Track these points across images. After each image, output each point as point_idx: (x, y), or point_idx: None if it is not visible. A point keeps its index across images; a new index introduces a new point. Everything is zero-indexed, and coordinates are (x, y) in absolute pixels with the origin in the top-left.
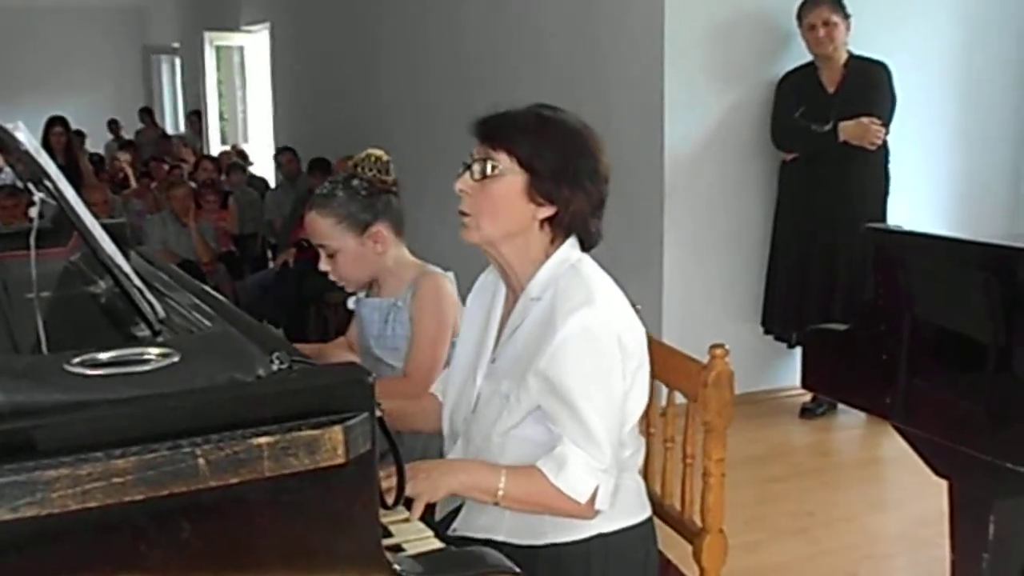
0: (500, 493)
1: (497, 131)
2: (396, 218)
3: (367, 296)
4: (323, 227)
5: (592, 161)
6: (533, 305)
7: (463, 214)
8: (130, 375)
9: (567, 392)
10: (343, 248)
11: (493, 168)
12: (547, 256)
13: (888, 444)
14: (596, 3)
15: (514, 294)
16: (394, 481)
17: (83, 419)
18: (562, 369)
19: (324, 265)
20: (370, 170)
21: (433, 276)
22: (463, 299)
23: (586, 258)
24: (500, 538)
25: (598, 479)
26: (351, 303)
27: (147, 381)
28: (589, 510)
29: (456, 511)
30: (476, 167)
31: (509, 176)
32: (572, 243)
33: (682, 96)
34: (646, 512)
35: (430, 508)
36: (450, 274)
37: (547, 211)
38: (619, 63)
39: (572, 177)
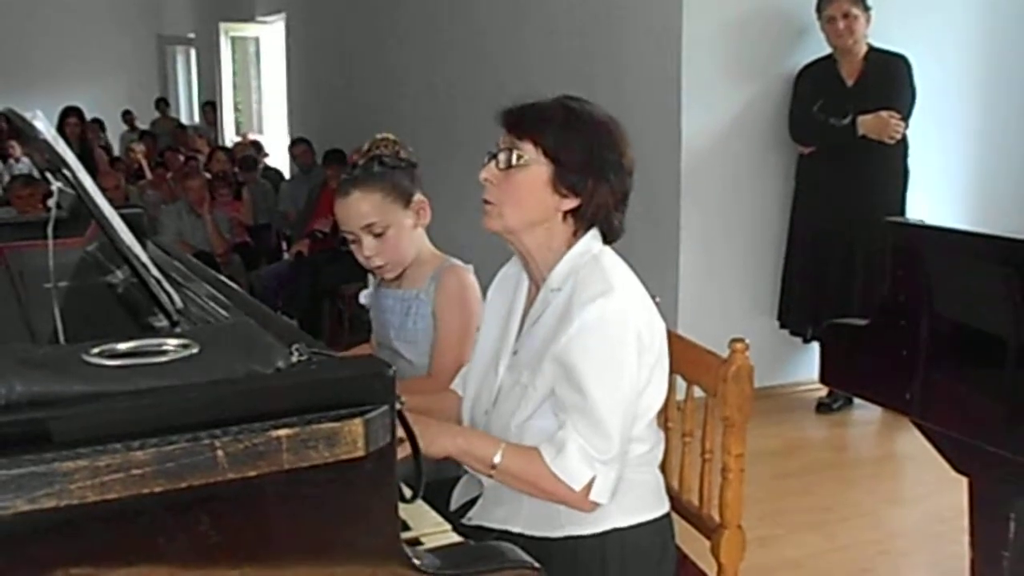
0: (495, 465)
1: (523, 121)
2: (424, 192)
3: (381, 286)
4: (370, 205)
5: (617, 154)
6: (553, 296)
7: (486, 203)
8: (149, 366)
9: (580, 379)
10: (393, 223)
11: (519, 158)
12: (568, 247)
13: (904, 439)
14: None
15: (536, 286)
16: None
17: (102, 410)
18: (577, 356)
19: (368, 251)
20: (389, 149)
21: (456, 269)
22: (484, 292)
23: (607, 250)
24: (517, 529)
25: (595, 469)
26: (363, 298)
27: (166, 372)
28: (584, 500)
29: (472, 501)
30: (502, 156)
31: (534, 166)
32: (594, 235)
33: (699, 90)
34: (664, 507)
35: (446, 497)
36: (470, 267)
37: (571, 203)
38: (636, 57)
39: (597, 170)
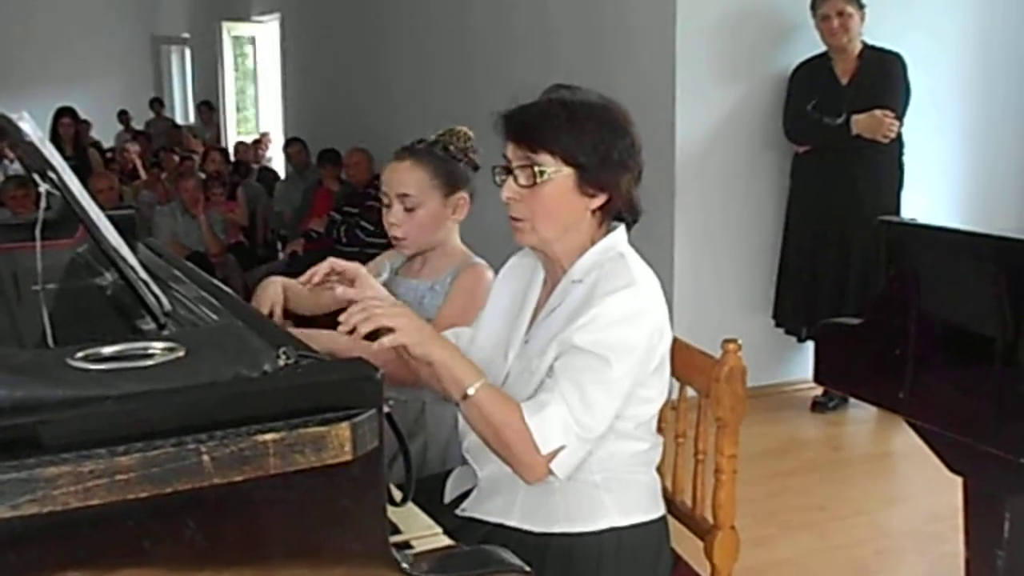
0: (470, 392)
1: (531, 132)
2: (473, 194)
3: (396, 274)
4: (416, 178)
5: (627, 137)
6: (574, 287)
7: (515, 219)
8: (134, 370)
9: (587, 358)
10: (428, 204)
11: (540, 172)
12: (594, 241)
13: (900, 439)
14: None
15: (553, 279)
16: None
17: (86, 415)
18: (588, 338)
19: (394, 218)
20: (460, 143)
21: (477, 268)
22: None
23: (632, 251)
24: (512, 523)
25: (568, 441)
26: (384, 275)
27: (151, 376)
28: (542, 465)
29: (466, 493)
30: (521, 174)
31: (557, 177)
32: (621, 231)
33: (693, 88)
34: (660, 510)
35: (439, 490)
36: (491, 270)
37: (599, 199)
38: (630, 55)
39: (615, 161)
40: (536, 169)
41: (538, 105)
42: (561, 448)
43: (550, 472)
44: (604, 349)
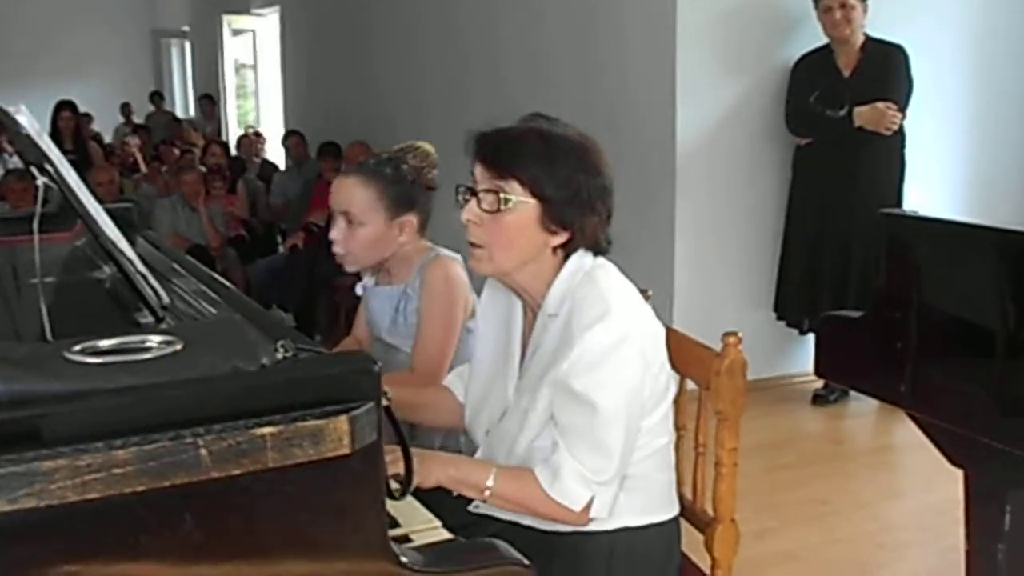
0: (487, 492)
1: (503, 158)
2: (426, 216)
3: (375, 284)
4: (360, 197)
5: (600, 178)
6: (551, 321)
7: (473, 245)
8: (131, 363)
9: (582, 402)
10: (370, 224)
11: (505, 201)
12: (558, 272)
13: (900, 432)
14: None
15: (532, 310)
16: (401, 466)
17: (83, 408)
18: (578, 381)
19: (336, 234)
20: (416, 162)
21: (440, 261)
22: (472, 281)
23: (599, 263)
24: (526, 522)
25: (593, 490)
26: (359, 289)
27: (148, 369)
28: (584, 517)
29: None
30: (486, 198)
31: (522, 207)
32: (582, 252)
33: (694, 81)
34: (674, 511)
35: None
36: (459, 256)
37: (561, 238)
38: (630, 48)
39: (584, 200)
40: (501, 196)
41: (515, 130)
42: (591, 499)
43: (592, 518)
44: (596, 391)
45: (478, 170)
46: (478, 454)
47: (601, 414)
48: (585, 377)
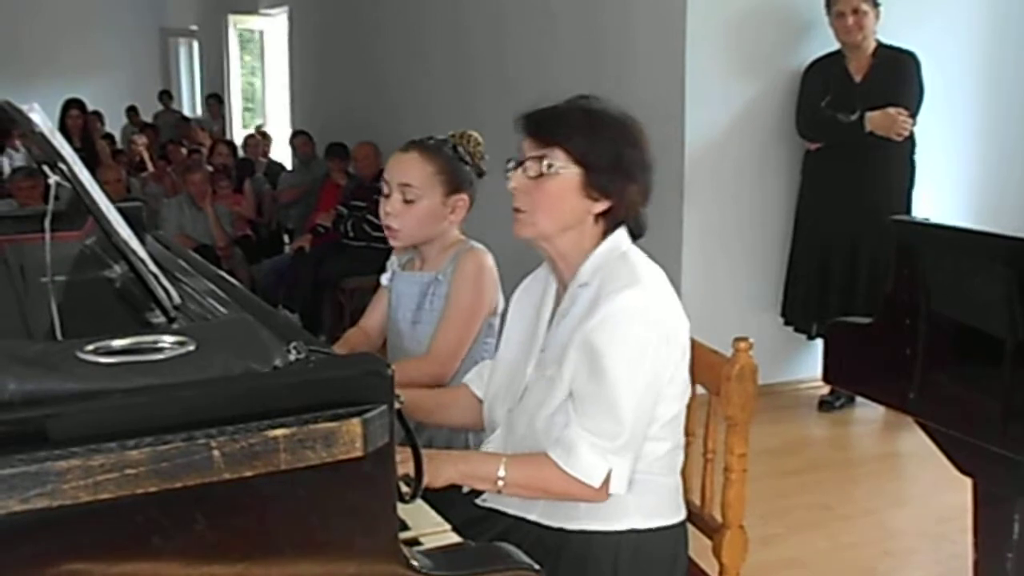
0: (501, 482)
1: (548, 128)
2: (474, 199)
3: (403, 269)
4: (421, 171)
5: (641, 152)
6: (581, 291)
7: (517, 211)
8: (144, 364)
9: (599, 361)
10: (427, 199)
11: (549, 166)
12: (596, 246)
13: (907, 438)
14: None
15: (563, 285)
16: (411, 466)
17: (96, 409)
18: (598, 340)
19: (390, 208)
20: (471, 146)
21: (476, 252)
22: (502, 277)
23: (635, 248)
24: (532, 517)
25: (609, 462)
26: (385, 279)
27: (161, 370)
28: (603, 493)
29: None
30: (531, 165)
31: (564, 173)
32: (622, 233)
33: (703, 85)
34: (681, 515)
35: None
36: (489, 252)
37: (602, 205)
38: (640, 52)
39: (625, 170)
40: (545, 163)
41: (559, 107)
42: (608, 473)
43: (611, 493)
44: (612, 349)
45: (525, 144)
46: (498, 432)
47: (614, 374)
48: (605, 334)
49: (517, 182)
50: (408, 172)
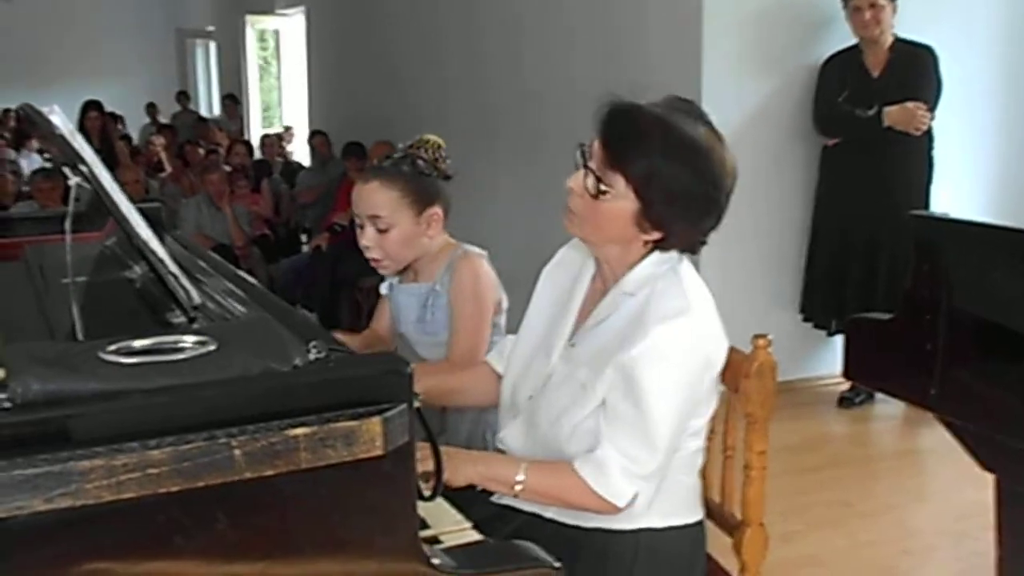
0: (519, 486)
1: (619, 146)
2: (448, 205)
3: (400, 282)
4: (384, 199)
5: (711, 188)
6: (625, 300)
7: (569, 209)
8: (165, 364)
9: (640, 393)
10: (399, 224)
11: (605, 192)
12: (645, 255)
13: (927, 435)
14: None
15: (603, 282)
16: (430, 464)
17: (118, 409)
18: (643, 372)
19: (367, 241)
20: (429, 154)
21: (469, 258)
22: (501, 278)
23: (686, 261)
24: (549, 515)
25: (637, 486)
26: (384, 288)
27: (182, 370)
28: (619, 510)
29: None
30: (590, 182)
31: (621, 201)
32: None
33: (720, 81)
34: (699, 514)
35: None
36: (484, 253)
37: (653, 236)
38: (657, 48)
39: (684, 208)
40: (603, 186)
41: (643, 118)
42: (635, 495)
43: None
44: (658, 384)
45: (596, 146)
46: (516, 422)
47: (657, 408)
48: (652, 369)
49: (575, 184)
50: (373, 203)
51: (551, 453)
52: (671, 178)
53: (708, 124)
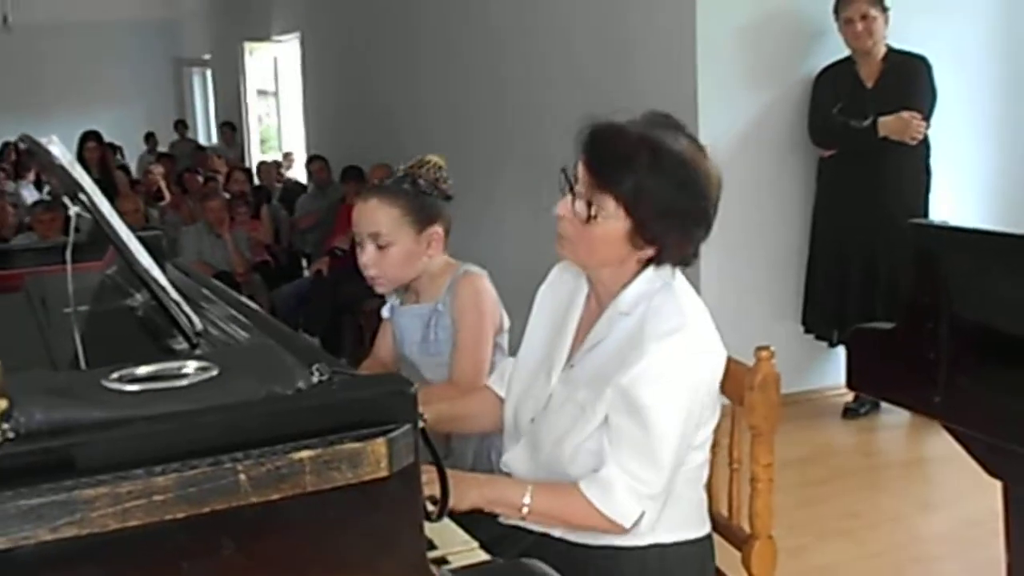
0: (525, 509)
1: (606, 169)
2: (449, 225)
3: (401, 304)
4: (385, 217)
5: (700, 201)
6: (621, 319)
7: (561, 235)
8: (168, 390)
9: (643, 414)
10: (398, 242)
11: (595, 215)
12: (638, 273)
13: (933, 444)
14: (627, 3)
15: (598, 302)
16: (436, 488)
17: (122, 436)
18: (643, 392)
19: (367, 258)
20: (430, 174)
21: (470, 277)
22: (500, 295)
23: (680, 275)
24: (557, 534)
25: (644, 505)
26: (385, 312)
27: (186, 396)
28: (625, 530)
29: None
30: (579, 206)
31: (612, 222)
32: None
33: (715, 95)
34: (706, 528)
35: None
36: (485, 272)
37: (647, 252)
38: (651, 62)
39: (677, 222)
40: (594, 208)
41: (626, 137)
42: (642, 515)
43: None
44: (660, 403)
45: (580, 169)
46: (519, 446)
47: (660, 427)
48: (651, 387)
49: (564, 211)
50: (373, 220)
51: (554, 475)
52: (659, 193)
53: (689, 136)
